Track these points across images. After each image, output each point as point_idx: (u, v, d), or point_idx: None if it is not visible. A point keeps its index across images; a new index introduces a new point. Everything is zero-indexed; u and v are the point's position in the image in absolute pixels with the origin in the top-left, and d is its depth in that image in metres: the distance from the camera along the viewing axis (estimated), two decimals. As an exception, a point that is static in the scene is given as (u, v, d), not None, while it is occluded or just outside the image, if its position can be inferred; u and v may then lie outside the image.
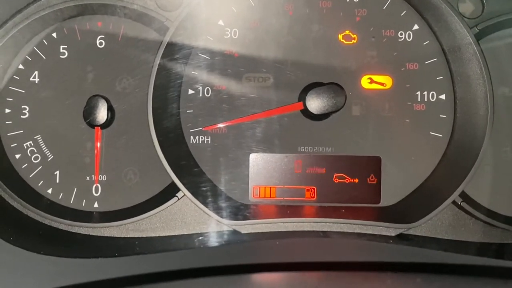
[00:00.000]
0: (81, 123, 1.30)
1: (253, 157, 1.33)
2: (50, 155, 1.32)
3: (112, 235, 1.29)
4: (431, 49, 1.33)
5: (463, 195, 1.28)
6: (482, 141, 1.26)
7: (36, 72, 1.32)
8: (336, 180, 1.33)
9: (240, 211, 1.29)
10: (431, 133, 1.33)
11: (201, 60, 1.33)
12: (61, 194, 1.32)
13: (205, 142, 1.33)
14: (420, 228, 1.28)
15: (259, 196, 1.33)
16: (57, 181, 1.32)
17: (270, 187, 1.33)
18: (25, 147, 1.32)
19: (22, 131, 1.32)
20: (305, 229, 1.26)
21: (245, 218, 1.26)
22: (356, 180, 1.33)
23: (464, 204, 1.27)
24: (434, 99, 1.33)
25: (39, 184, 1.32)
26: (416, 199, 1.32)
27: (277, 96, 1.33)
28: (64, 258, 1.09)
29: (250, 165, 1.33)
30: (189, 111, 1.33)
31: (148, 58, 1.31)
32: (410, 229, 1.27)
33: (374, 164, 1.33)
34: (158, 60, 1.27)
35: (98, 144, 1.31)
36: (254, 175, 1.33)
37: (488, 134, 1.26)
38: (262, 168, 1.33)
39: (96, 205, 1.32)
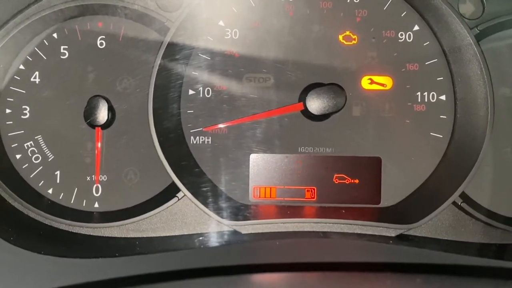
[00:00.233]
0: (81, 123, 1.30)
1: (253, 157, 1.33)
2: (51, 155, 1.32)
3: (113, 235, 1.29)
4: (432, 50, 1.33)
5: (463, 196, 1.28)
6: (482, 142, 1.26)
7: (36, 73, 1.32)
8: (336, 181, 1.34)
9: (240, 212, 1.29)
10: (431, 133, 1.33)
11: (202, 60, 1.33)
12: (62, 194, 1.32)
13: (206, 142, 1.34)
14: (420, 228, 1.28)
15: (259, 197, 1.33)
16: (58, 181, 1.32)
17: (270, 188, 1.33)
18: (26, 147, 1.32)
19: (22, 131, 1.32)
20: (305, 229, 1.26)
21: (245, 218, 1.26)
22: (356, 181, 1.33)
23: (464, 205, 1.27)
24: (434, 100, 1.33)
25: (40, 184, 1.32)
26: (416, 200, 1.32)
27: (278, 96, 1.33)
28: (65, 258, 1.09)
29: (250, 165, 1.33)
30: (190, 111, 1.33)
31: (149, 59, 1.31)
32: (410, 230, 1.27)
33: (374, 165, 1.33)
34: (158, 61, 1.28)
35: (99, 144, 1.31)
36: (254, 175, 1.33)
37: (488, 135, 1.26)
38: (263, 169, 1.33)
39: (96, 205, 1.32)
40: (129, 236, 1.29)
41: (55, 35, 1.32)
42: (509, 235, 1.29)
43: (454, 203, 1.27)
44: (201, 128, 1.33)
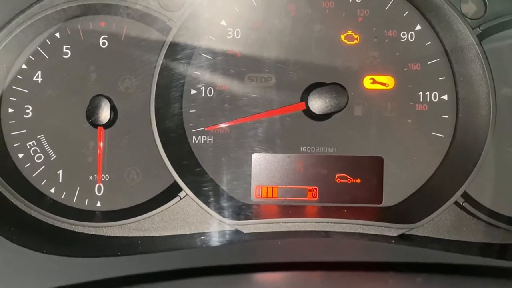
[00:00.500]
0: (84, 122, 1.31)
1: (255, 157, 1.33)
2: (53, 154, 1.32)
3: (115, 235, 1.29)
4: (434, 49, 1.33)
5: (465, 196, 1.28)
6: (484, 142, 1.26)
7: (39, 72, 1.32)
8: (338, 180, 1.34)
9: (242, 211, 1.29)
10: (433, 133, 1.33)
11: (204, 60, 1.33)
12: (64, 193, 1.32)
13: (207, 142, 1.34)
14: (422, 228, 1.28)
15: (261, 196, 1.33)
16: (60, 181, 1.32)
17: (272, 187, 1.33)
18: (28, 147, 1.32)
19: (25, 130, 1.32)
20: (307, 229, 1.26)
21: (247, 218, 1.26)
22: (358, 180, 1.33)
23: (466, 205, 1.27)
24: (436, 100, 1.33)
25: (42, 184, 1.32)
26: (418, 200, 1.32)
27: (279, 96, 1.33)
28: (67, 257, 1.09)
29: (252, 165, 1.33)
30: (192, 111, 1.34)
31: (151, 58, 1.31)
32: (412, 230, 1.27)
33: (376, 164, 1.33)
34: (160, 60, 1.28)
35: (101, 144, 1.31)
36: (256, 175, 1.33)
37: (490, 135, 1.26)
38: (264, 168, 1.33)
39: (98, 204, 1.32)
40: (131, 236, 1.29)
41: (57, 34, 1.32)
42: (511, 234, 1.29)
43: (456, 203, 1.27)
44: (203, 128, 1.34)
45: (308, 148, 1.34)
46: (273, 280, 1.06)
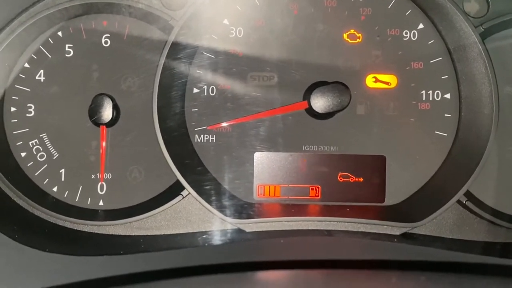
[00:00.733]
0: (86, 121, 1.31)
1: (257, 155, 1.33)
2: (56, 153, 1.32)
3: (117, 233, 1.29)
4: (436, 48, 1.33)
5: (468, 194, 1.28)
6: (487, 140, 1.26)
7: (41, 71, 1.32)
8: (341, 179, 1.33)
9: (244, 210, 1.29)
10: (436, 132, 1.33)
11: (206, 59, 1.33)
12: (67, 192, 1.32)
13: (210, 140, 1.34)
14: (425, 227, 1.28)
15: (264, 195, 1.33)
16: (63, 179, 1.32)
17: (275, 186, 1.33)
18: (31, 146, 1.32)
19: (27, 129, 1.32)
20: (310, 227, 1.26)
21: (250, 216, 1.26)
22: (361, 179, 1.33)
23: (469, 203, 1.27)
24: (439, 98, 1.33)
25: (45, 182, 1.32)
26: (421, 198, 1.31)
27: (282, 95, 1.33)
28: (69, 256, 1.09)
29: (254, 163, 1.33)
30: (194, 110, 1.34)
31: (153, 57, 1.31)
32: (415, 228, 1.27)
33: (378, 163, 1.33)
34: (163, 59, 1.28)
35: (103, 143, 1.31)
36: (258, 173, 1.33)
37: (493, 133, 1.25)
38: (267, 167, 1.33)
39: (101, 203, 1.32)
40: (133, 234, 1.29)
41: (60, 33, 1.33)
42: (514, 233, 1.29)
43: (458, 201, 1.27)
44: (205, 127, 1.34)
45: (311, 147, 1.34)
46: (276, 279, 1.06)
